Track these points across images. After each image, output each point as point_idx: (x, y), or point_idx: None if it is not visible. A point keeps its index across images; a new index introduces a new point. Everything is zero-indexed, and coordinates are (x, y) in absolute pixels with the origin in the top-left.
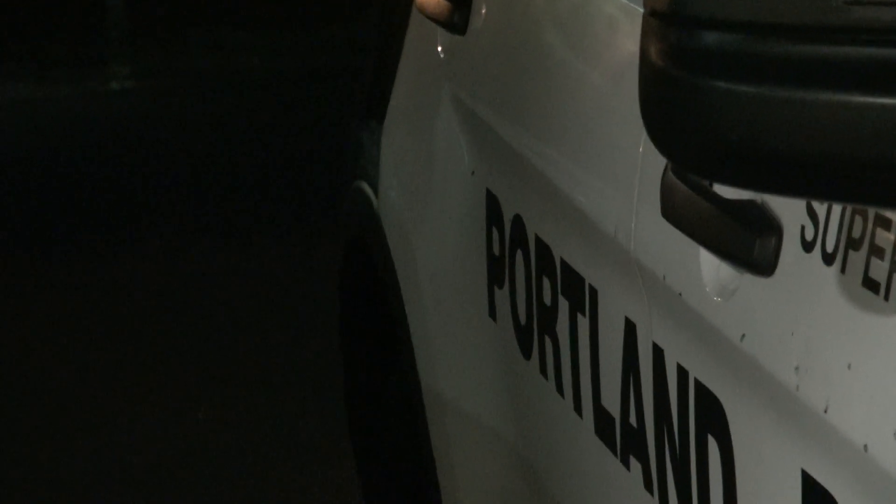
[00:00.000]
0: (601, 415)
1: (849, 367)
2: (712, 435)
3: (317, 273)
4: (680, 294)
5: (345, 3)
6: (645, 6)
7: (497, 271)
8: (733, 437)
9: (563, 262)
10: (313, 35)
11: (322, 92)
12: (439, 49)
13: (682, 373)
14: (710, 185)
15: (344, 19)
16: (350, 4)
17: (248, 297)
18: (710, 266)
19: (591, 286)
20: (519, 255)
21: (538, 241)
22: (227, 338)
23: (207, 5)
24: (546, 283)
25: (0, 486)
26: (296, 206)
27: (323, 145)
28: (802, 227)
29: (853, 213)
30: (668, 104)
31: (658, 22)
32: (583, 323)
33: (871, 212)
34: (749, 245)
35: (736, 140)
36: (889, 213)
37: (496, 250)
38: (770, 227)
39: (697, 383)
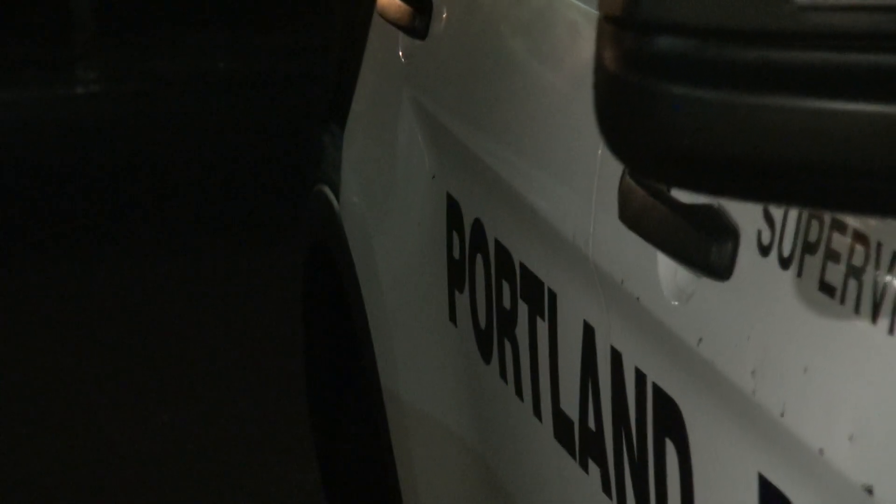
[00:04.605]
0: (560, 418)
1: (805, 370)
2: (670, 438)
3: (281, 276)
4: (638, 298)
5: (308, 7)
6: (599, 11)
7: (457, 275)
8: (691, 441)
9: (522, 266)
10: (277, 38)
11: (285, 95)
12: (400, 53)
13: (640, 376)
14: (668, 190)
15: (307, 23)
16: (313, 8)
17: (210, 299)
18: (668, 270)
19: (549, 290)
20: (479, 258)
21: (498, 245)
22: (189, 341)
23: (173, 8)
24: (505, 286)
25: None
26: (259, 208)
27: (286, 148)
28: (759, 232)
29: (809, 217)
30: (623, 109)
31: (612, 27)
32: (542, 327)
33: (828, 216)
34: (706, 249)
35: (690, 145)
36: (845, 217)
37: (456, 254)
38: (727, 232)
39: (655, 387)
